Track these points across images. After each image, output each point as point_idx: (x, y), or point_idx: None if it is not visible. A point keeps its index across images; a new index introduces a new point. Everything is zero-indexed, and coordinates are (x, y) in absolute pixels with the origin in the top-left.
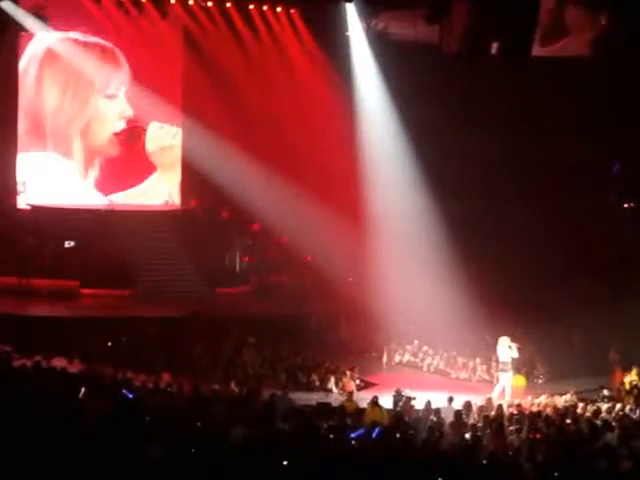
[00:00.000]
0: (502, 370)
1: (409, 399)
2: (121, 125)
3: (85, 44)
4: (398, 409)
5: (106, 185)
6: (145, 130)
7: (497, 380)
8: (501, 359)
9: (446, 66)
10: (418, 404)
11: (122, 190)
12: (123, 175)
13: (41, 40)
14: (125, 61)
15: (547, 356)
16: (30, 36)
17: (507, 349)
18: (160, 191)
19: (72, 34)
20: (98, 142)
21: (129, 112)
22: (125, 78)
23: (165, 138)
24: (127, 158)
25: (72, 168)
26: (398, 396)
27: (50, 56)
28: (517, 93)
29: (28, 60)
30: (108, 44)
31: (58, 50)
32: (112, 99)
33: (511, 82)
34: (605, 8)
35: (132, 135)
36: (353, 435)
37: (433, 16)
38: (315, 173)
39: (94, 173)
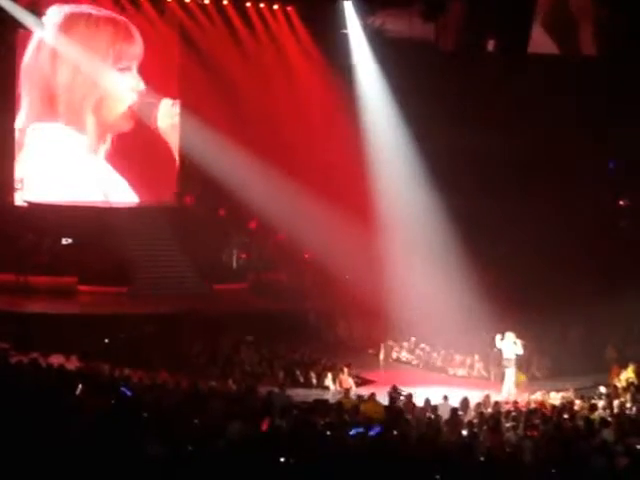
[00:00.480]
0: (506, 366)
1: (410, 396)
2: (133, 98)
3: (98, 18)
4: (396, 406)
5: (117, 159)
6: (157, 106)
7: (503, 377)
8: (505, 355)
9: (443, 63)
10: (417, 401)
11: (131, 168)
12: (134, 151)
13: (55, 14)
14: (138, 35)
15: (544, 353)
16: (28, 33)
17: (512, 345)
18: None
19: (85, 7)
20: (112, 116)
21: (141, 86)
22: (138, 52)
23: (176, 116)
24: (139, 133)
25: (84, 142)
26: (394, 393)
27: (64, 29)
28: (513, 90)
29: (42, 35)
30: (121, 18)
31: (70, 25)
32: (124, 72)
33: (508, 79)
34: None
35: (144, 109)
36: (352, 432)
37: (429, 13)
38: (314, 169)
39: (105, 147)
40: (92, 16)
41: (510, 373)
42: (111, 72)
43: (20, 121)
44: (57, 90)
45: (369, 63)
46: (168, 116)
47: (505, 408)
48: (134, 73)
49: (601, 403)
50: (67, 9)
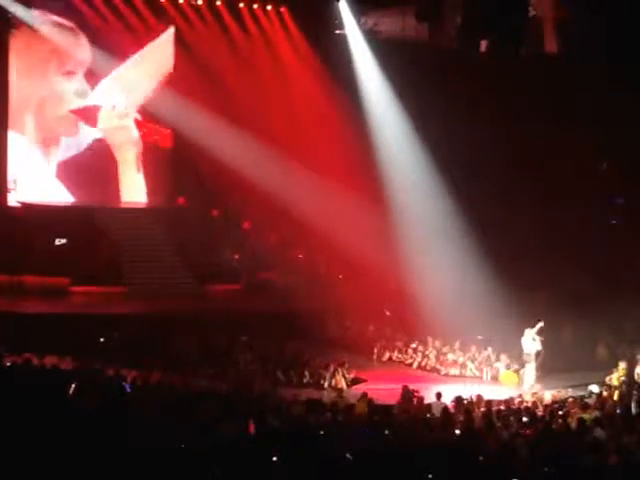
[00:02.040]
0: (526, 361)
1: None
2: (78, 104)
3: (43, 22)
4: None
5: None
6: (99, 109)
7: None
8: (525, 350)
9: (437, 63)
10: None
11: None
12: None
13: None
14: (86, 41)
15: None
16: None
17: (531, 341)
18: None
19: (31, 12)
20: (53, 119)
21: (87, 91)
22: (86, 57)
23: (114, 119)
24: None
25: (30, 147)
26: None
27: (9, 35)
28: (506, 90)
29: None
30: (68, 22)
31: (16, 28)
32: (70, 77)
33: (501, 79)
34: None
35: (87, 114)
36: None
37: (423, 14)
38: (310, 168)
39: (56, 157)
40: (38, 20)
41: (529, 367)
42: (54, 77)
43: None
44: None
45: (366, 62)
46: (107, 119)
47: (498, 407)
48: (79, 77)
49: (593, 401)
50: (15, 13)
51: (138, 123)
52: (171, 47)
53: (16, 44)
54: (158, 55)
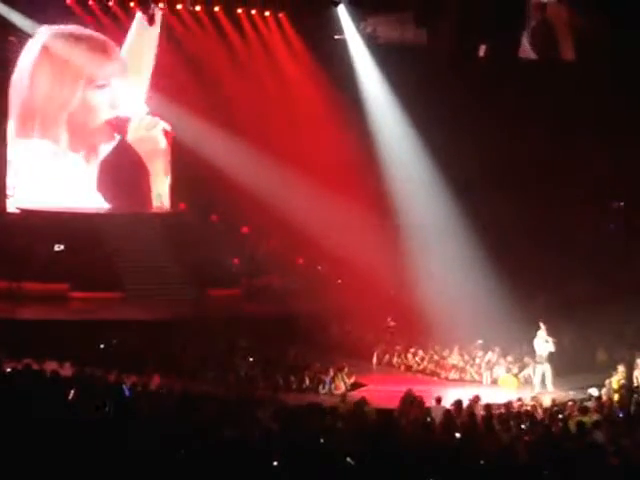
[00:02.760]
0: (539, 363)
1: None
2: (112, 114)
3: (77, 37)
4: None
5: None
6: (128, 120)
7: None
8: (537, 352)
9: (436, 68)
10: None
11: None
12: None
13: (37, 36)
14: (118, 53)
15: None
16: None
17: (544, 343)
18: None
19: (65, 28)
20: (89, 129)
21: (119, 102)
22: (116, 69)
23: (141, 130)
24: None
25: (61, 153)
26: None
27: (44, 51)
28: (505, 94)
29: (24, 55)
30: (100, 36)
31: (51, 44)
32: (102, 89)
33: (499, 84)
34: (589, 11)
35: (118, 124)
36: None
37: (421, 19)
38: (310, 172)
39: (87, 165)
40: (73, 34)
41: (541, 370)
42: (87, 88)
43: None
44: (35, 106)
45: (366, 67)
46: (136, 130)
47: (498, 411)
48: (112, 89)
49: (592, 405)
50: (51, 30)
51: (167, 134)
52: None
53: (49, 56)
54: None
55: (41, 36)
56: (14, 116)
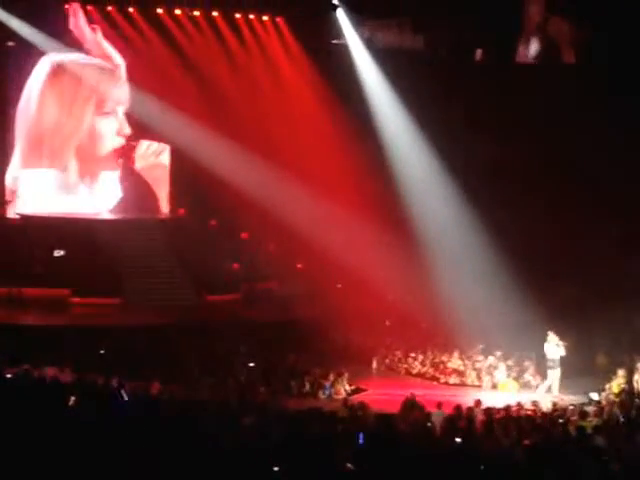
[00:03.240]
0: (550, 367)
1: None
2: (119, 141)
3: (84, 65)
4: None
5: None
6: (135, 148)
7: (543, 378)
8: (549, 356)
9: (434, 72)
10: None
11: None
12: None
13: (44, 62)
14: (125, 79)
15: (536, 360)
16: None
17: (555, 347)
18: None
19: (73, 56)
20: (96, 157)
21: (126, 130)
22: (124, 97)
23: (150, 157)
24: (124, 174)
25: (70, 183)
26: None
27: (52, 78)
28: (502, 98)
29: (31, 83)
30: (107, 64)
31: (58, 70)
32: (108, 116)
33: (495, 88)
34: (588, 19)
35: (126, 152)
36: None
37: (419, 24)
38: (309, 177)
39: (94, 189)
40: (79, 63)
41: (555, 374)
42: (95, 116)
43: (13, 166)
44: (43, 135)
45: (366, 71)
46: (143, 157)
47: (498, 415)
48: (119, 117)
49: (592, 409)
50: (58, 57)
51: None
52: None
53: (57, 83)
54: None
55: (44, 65)
56: (20, 145)
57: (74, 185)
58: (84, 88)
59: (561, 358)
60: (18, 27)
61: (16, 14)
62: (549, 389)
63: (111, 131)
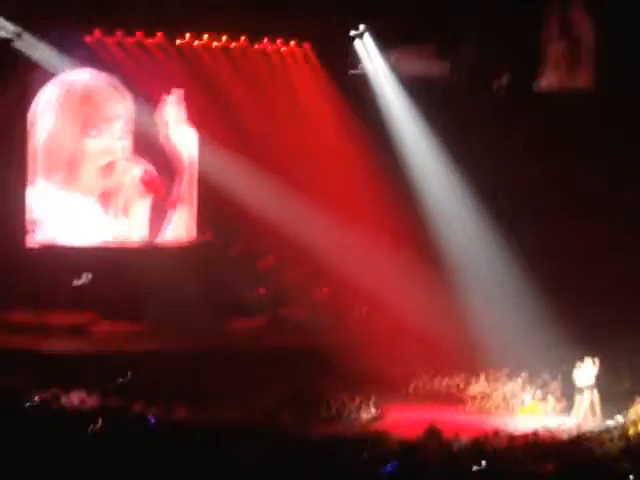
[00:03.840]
0: (586, 390)
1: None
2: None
3: (96, 80)
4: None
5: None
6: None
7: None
8: (578, 383)
9: (458, 100)
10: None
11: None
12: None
13: (56, 82)
14: (127, 94)
15: (562, 383)
16: (42, 74)
17: (586, 373)
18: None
19: (83, 75)
20: (115, 182)
21: (125, 143)
22: (125, 112)
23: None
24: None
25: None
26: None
27: (64, 96)
28: (526, 124)
29: (43, 103)
30: (113, 80)
31: (71, 90)
32: (123, 139)
33: (520, 114)
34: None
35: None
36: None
37: (443, 51)
38: (333, 206)
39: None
40: (73, 84)
41: (588, 397)
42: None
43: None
44: (61, 159)
45: (391, 99)
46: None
47: (526, 440)
48: (115, 131)
49: (617, 433)
50: (69, 77)
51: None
52: None
53: (71, 104)
54: None
55: (58, 81)
56: (40, 170)
57: (98, 211)
58: (100, 108)
59: (596, 380)
60: (41, 57)
61: (40, 45)
62: (587, 411)
63: (104, 147)
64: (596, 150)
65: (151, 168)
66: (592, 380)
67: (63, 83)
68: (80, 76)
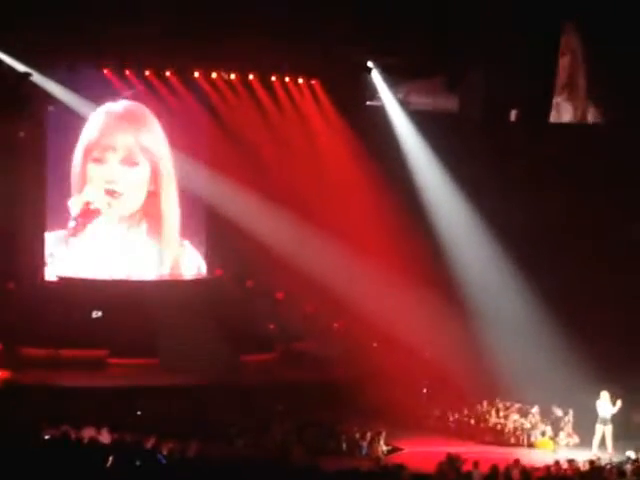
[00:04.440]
0: (602, 423)
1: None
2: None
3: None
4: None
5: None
6: None
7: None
8: (601, 415)
9: (469, 133)
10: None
11: None
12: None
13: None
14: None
15: (575, 417)
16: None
17: (608, 404)
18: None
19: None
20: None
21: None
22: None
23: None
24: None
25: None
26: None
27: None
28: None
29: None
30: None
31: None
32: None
33: (530, 147)
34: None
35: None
36: None
37: (452, 85)
38: (344, 240)
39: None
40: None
41: (602, 430)
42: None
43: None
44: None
45: (403, 132)
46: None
47: (536, 473)
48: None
49: (630, 468)
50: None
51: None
52: None
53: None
54: None
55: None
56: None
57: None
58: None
59: (612, 416)
60: (57, 92)
61: (55, 79)
62: (602, 446)
63: (141, 185)
64: (608, 183)
65: None
66: (608, 415)
67: None
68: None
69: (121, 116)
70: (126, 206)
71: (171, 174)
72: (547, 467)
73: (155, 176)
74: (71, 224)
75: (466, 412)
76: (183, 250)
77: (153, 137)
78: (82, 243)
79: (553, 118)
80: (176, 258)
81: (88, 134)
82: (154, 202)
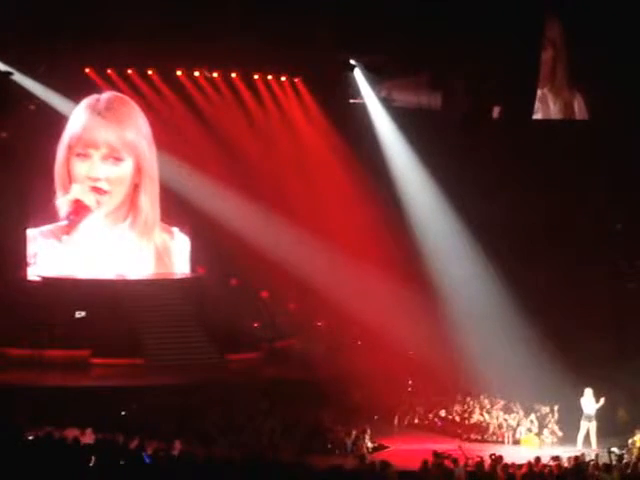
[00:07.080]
0: (587, 419)
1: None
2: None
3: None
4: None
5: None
6: None
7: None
8: (585, 411)
9: (451, 131)
10: None
11: None
12: None
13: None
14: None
15: (559, 413)
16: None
17: (592, 401)
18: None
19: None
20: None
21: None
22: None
23: None
24: None
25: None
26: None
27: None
28: (520, 155)
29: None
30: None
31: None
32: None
33: (513, 145)
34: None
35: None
36: None
37: (435, 83)
38: (327, 238)
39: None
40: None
41: (592, 426)
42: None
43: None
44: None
45: (385, 130)
46: None
47: (520, 470)
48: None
49: (614, 464)
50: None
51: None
52: None
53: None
54: None
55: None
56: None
57: (97, 245)
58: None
59: (596, 412)
60: (38, 90)
61: (36, 78)
62: (586, 442)
63: (125, 180)
64: (592, 181)
65: None
66: (592, 411)
67: None
68: None
69: (104, 111)
70: (112, 201)
71: (154, 167)
72: (530, 463)
73: (139, 170)
74: (63, 222)
75: (451, 409)
76: (170, 240)
77: (136, 132)
78: (73, 241)
79: (537, 114)
80: (160, 251)
81: (71, 129)
82: (137, 196)
